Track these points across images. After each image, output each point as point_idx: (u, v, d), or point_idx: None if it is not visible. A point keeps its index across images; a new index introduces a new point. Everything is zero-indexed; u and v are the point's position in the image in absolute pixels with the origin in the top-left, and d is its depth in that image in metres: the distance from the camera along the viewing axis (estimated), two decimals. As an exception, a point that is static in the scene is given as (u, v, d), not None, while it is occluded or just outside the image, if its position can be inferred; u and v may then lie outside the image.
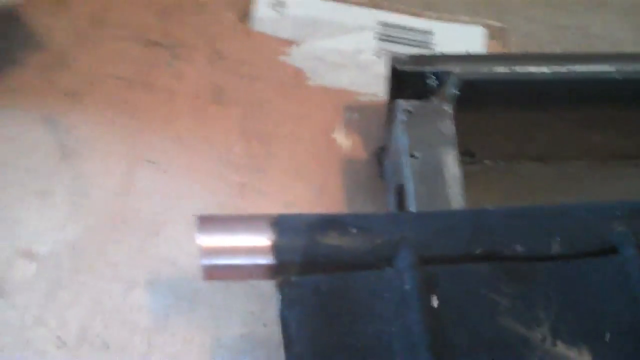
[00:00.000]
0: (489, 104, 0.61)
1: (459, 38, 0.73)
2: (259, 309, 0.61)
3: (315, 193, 0.66)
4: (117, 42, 0.72)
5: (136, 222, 0.64)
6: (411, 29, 0.74)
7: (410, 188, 0.54)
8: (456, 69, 0.59)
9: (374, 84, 0.73)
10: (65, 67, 0.70)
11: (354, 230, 0.48)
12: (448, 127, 0.57)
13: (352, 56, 0.74)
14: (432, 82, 0.60)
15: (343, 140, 0.70)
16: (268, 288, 0.61)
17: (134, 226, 0.64)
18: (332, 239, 0.47)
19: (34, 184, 0.65)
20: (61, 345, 0.59)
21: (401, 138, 0.56)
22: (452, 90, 0.59)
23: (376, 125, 0.70)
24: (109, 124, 0.68)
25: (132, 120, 0.69)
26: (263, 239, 0.47)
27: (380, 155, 0.66)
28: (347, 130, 0.70)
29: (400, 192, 0.57)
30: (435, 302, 0.46)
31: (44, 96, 0.69)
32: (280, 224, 0.48)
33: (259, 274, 0.48)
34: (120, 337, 0.60)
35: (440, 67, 0.59)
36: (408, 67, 0.59)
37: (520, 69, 0.59)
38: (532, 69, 0.59)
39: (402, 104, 0.58)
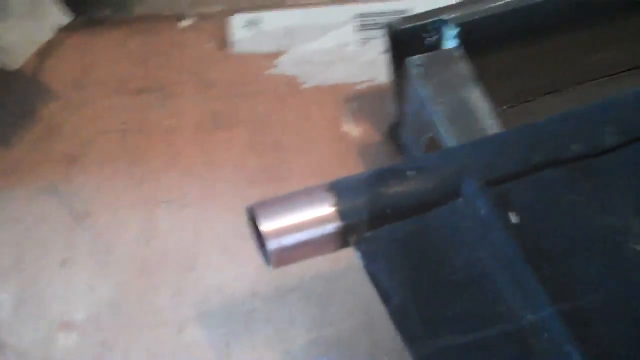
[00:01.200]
0: (492, 47, 0.60)
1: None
2: (319, 311, 0.58)
3: (341, 186, 0.64)
4: (102, 99, 0.70)
5: (168, 263, 0.61)
6: (387, 13, 0.73)
7: (444, 133, 0.52)
8: (451, 15, 0.57)
9: (366, 72, 0.72)
10: (56, 135, 0.68)
11: (412, 173, 0.45)
12: (463, 68, 0.55)
13: (338, 51, 0.72)
14: (431, 37, 0.59)
15: (352, 130, 0.68)
16: (323, 288, 0.59)
17: (167, 268, 0.61)
18: (394, 187, 0.44)
19: (53, 255, 0.61)
20: (126, 406, 0.55)
21: (421, 91, 0.54)
22: (452, 40, 0.58)
23: (380, 108, 0.69)
24: (113, 178, 0.65)
25: (137, 167, 0.66)
26: (325, 207, 0.44)
27: (394, 131, 0.64)
28: (353, 120, 0.68)
29: (432, 145, 0.55)
30: (514, 219, 0.43)
31: (41, 168, 0.66)
32: (337, 187, 0.45)
33: (329, 244, 0.44)
34: (186, 379, 0.56)
35: (435, 17, 0.58)
36: (404, 26, 0.58)
37: (514, -1, 0.59)
38: (525, -5, 0.59)
39: (413, 59, 0.56)
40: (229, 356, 0.56)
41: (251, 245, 0.61)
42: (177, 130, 0.68)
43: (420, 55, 0.57)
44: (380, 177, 0.45)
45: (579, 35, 0.62)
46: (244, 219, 0.62)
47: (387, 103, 0.67)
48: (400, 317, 0.41)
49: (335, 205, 0.44)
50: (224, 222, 0.63)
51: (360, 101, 0.70)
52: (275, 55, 0.73)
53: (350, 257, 0.60)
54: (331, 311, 0.58)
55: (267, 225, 0.44)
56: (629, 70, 0.65)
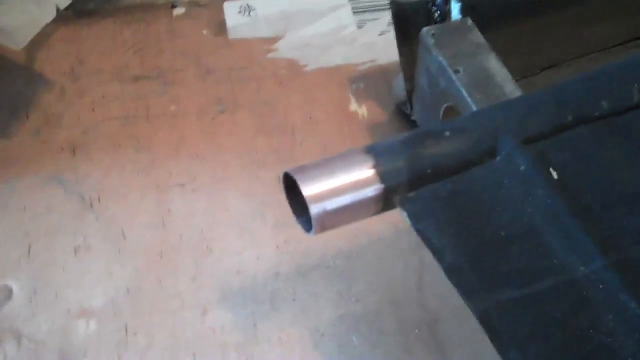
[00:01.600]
0: (494, 23, 0.61)
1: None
2: (345, 288, 0.58)
3: (353, 164, 0.64)
4: (101, 87, 0.69)
5: (185, 247, 0.60)
6: (381, -5, 0.75)
7: (466, 100, 0.53)
8: (456, -11, 0.59)
9: (366, 53, 0.72)
10: (56, 124, 0.67)
11: (448, 134, 0.45)
12: (477, 36, 0.56)
13: (336, 34, 0.73)
14: (436, 12, 0.60)
15: (359, 109, 0.68)
16: (344, 266, 0.59)
17: (184, 251, 0.60)
18: (431, 148, 0.45)
19: (65, 242, 0.60)
20: (153, 391, 0.54)
21: (437, 60, 0.55)
22: (457, 14, 0.59)
23: (384, 87, 0.69)
24: (120, 164, 0.64)
25: (144, 153, 0.65)
26: (365, 170, 0.44)
27: (403, 108, 0.65)
28: (359, 100, 0.69)
29: (450, 115, 0.56)
30: (554, 174, 0.44)
31: (44, 157, 0.64)
32: (374, 150, 0.45)
33: (370, 206, 0.44)
34: (215, 360, 0.55)
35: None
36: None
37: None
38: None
39: (427, 29, 0.57)
40: (257, 336, 0.55)
41: (268, 226, 0.62)
42: (181, 115, 0.68)
43: (434, 25, 0.58)
44: (417, 138, 0.45)
45: (576, 10, 0.64)
46: (258, 200, 0.63)
47: (392, 82, 0.68)
48: (455, 274, 0.41)
49: (374, 167, 0.44)
50: (238, 204, 0.62)
51: (364, 82, 0.70)
52: (273, 40, 0.73)
53: (370, 234, 0.61)
54: (355, 288, 0.57)
55: (309, 190, 0.43)
56: (625, 42, 0.67)
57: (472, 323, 0.54)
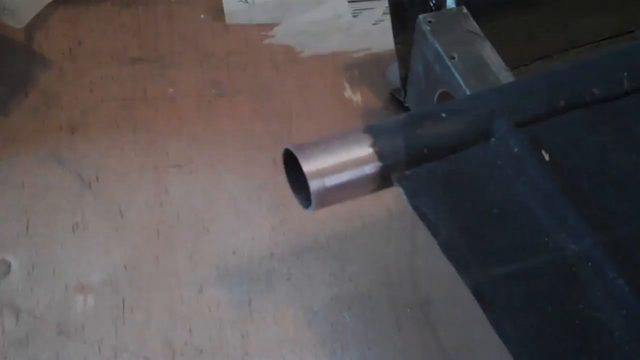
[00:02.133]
0: (487, 14, 0.62)
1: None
2: (338, 268, 0.59)
3: (348, 149, 0.65)
4: (100, 68, 0.70)
5: (182, 227, 0.61)
6: (377, -15, 0.76)
7: (460, 86, 0.54)
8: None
9: (361, 41, 0.74)
10: (55, 104, 0.67)
11: (444, 115, 0.47)
12: (473, 25, 0.58)
13: (333, 22, 0.74)
14: (431, 0, 0.61)
15: (353, 96, 0.70)
16: (338, 247, 0.60)
17: (181, 231, 0.61)
18: (429, 129, 0.46)
19: (64, 220, 0.61)
20: (150, 366, 0.55)
21: (433, 46, 0.56)
22: (452, 3, 0.61)
23: (378, 75, 0.71)
24: (118, 144, 0.65)
25: (142, 134, 0.66)
26: (364, 148, 0.45)
27: (397, 95, 0.66)
28: (354, 87, 0.70)
29: (445, 101, 0.57)
30: (546, 156, 0.46)
31: (42, 136, 0.65)
32: (373, 130, 0.46)
33: (368, 184, 0.45)
34: (210, 337, 0.55)
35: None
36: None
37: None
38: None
39: (424, 17, 0.58)
40: (252, 313, 0.56)
41: (264, 207, 0.63)
42: (179, 98, 0.69)
43: (431, 13, 0.59)
44: (415, 119, 0.47)
45: (568, 2, 0.66)
46: (255, 183, 0.64)
47: (386, 70, 0.69)
48: (450, 248, 0.43)
49: (373, 146, 0.45)
50: (235, 185, 0.63)
51: (359, 69, 0.72)
52: (269, 26, 0.74)
53: (363, 217, 0.62)
54: (349, 269, 0.59)
55: (309, 166, 0.44)
56: (616, 36, 0.69)
57: (462, 304, 0.57)
